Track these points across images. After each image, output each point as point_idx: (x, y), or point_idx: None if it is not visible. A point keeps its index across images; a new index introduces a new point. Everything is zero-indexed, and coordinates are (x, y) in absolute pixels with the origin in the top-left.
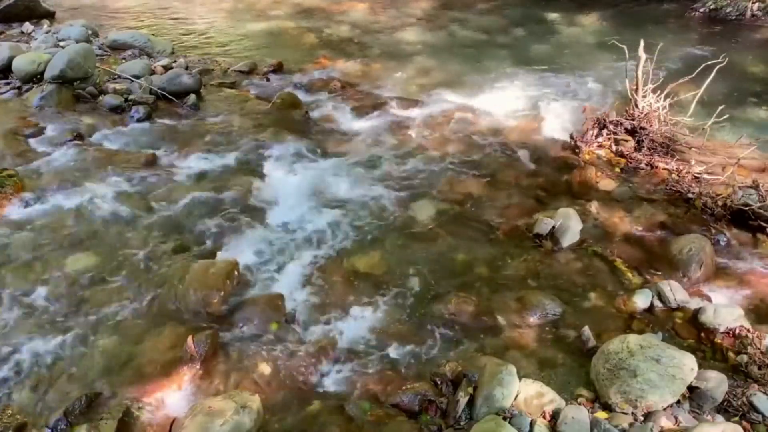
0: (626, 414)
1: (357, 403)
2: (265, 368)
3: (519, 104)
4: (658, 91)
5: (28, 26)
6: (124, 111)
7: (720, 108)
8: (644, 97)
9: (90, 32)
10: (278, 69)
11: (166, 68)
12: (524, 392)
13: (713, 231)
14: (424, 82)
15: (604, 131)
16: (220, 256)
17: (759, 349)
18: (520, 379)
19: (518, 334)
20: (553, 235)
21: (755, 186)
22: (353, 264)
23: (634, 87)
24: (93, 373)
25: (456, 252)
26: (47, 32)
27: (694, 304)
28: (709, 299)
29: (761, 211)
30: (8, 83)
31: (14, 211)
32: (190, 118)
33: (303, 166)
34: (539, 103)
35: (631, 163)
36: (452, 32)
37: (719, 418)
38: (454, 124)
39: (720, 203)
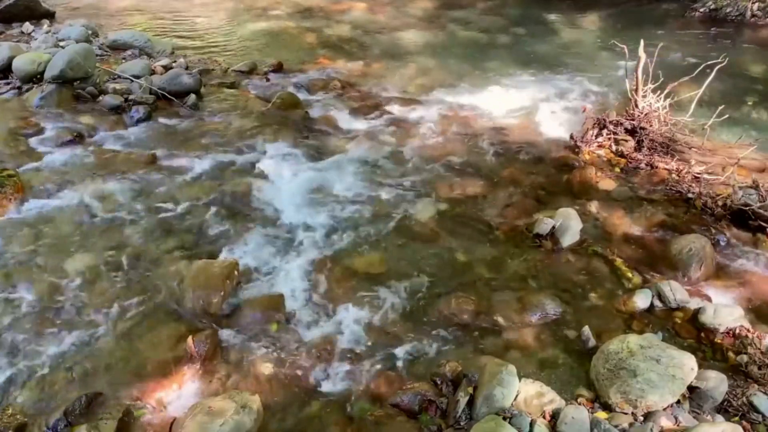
0: (626, 414)
1: (357, 403)
2: (265, 368)
3: (519, 104)
4: (658, 91)
5: (28, 26)
6: (124, 111)
7: (720, 108)
8: (644, 97)
9: (90, 32)
10: (278, 69)
11: (166, 68)
12: (524, 392)
13: (713, 231)
14: (424, 82)
15: (604, 131)
16: (220, 256)
17: (759, 349)
18: (520, 379)
19: (518, 334)
20: (553, 235)
21: (755, 186)
22: (353, 264)
23: (634, 87)
24: (93, 373)
25: (456, 252)
26: (47, 32)
27: (694, 304)
28: (709, 299)
29: (761, 211)
30: (8, 83)
31: (14, 211)
32: (190, 118)
33: (303, 166)
34: (539, 103)
35: (631, 163)
36: (452, 32)
37: (719, 418)
38: (454, 124)
39: (720, 203)
